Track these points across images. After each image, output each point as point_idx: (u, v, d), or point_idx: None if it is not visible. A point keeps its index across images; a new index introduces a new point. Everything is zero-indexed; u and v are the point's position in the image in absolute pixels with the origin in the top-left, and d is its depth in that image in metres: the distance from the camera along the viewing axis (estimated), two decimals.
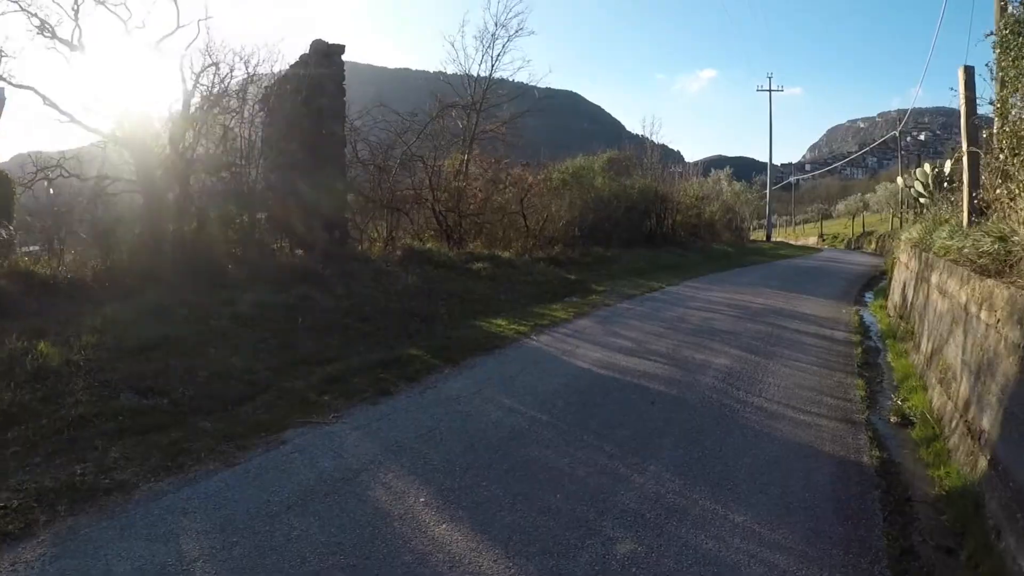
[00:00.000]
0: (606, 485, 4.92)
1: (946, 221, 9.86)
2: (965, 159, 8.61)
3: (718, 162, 62.79)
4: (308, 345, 8.86)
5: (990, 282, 5.34)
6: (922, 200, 15.64)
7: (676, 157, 43.63)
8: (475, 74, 22.50)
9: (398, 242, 16.38)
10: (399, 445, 5.70)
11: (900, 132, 49.78)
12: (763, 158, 59.76)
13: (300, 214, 14.06)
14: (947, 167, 14.71)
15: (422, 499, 4.66)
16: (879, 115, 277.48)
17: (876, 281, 20.36)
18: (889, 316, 12.46)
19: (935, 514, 4.70)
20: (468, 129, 21.11)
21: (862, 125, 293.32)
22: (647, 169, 31.99)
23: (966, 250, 7.04)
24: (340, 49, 15.12)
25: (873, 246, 42.36)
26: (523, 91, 24.21)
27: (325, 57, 14.81)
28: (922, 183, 15.45)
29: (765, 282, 18.71)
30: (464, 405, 6.87)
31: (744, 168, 76.35)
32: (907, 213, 33.64)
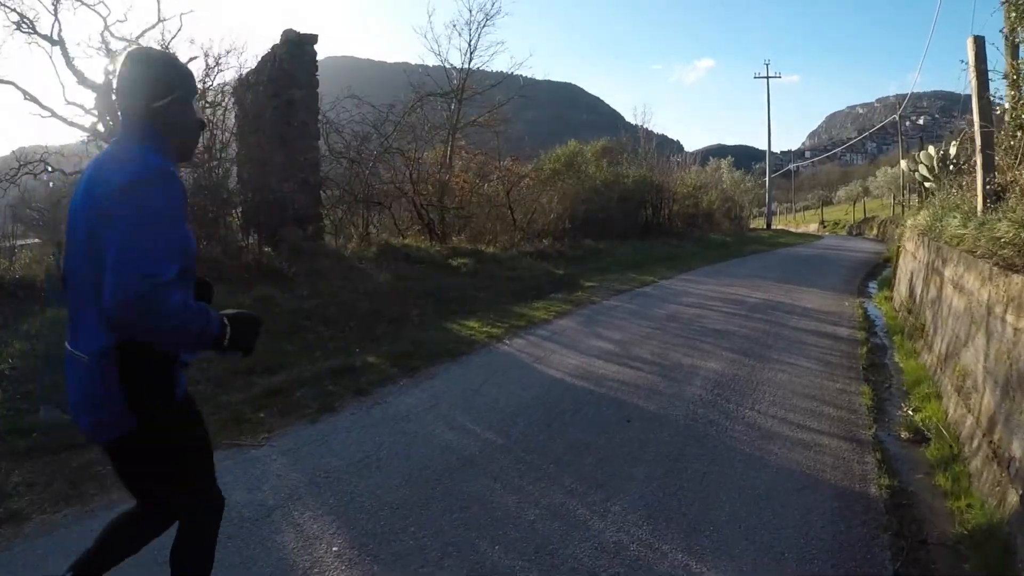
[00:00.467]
0: (557, 533, 4.02)
1: (957, 207, 8.96)
2: (977, 139, 7.74)
3: (718, 151, 62.17)
4: (258, 352, 7.92)
5: (1019, 279, 4.46)
6: (927, 184, 14.68)
7: (675, 147, 42.85)
8: (454, 63, 21.62)
9: (374, 238, 15.49)
10: (328, 475, 4.86)
11: (899, 117, 48.80)
12: (763, 146, 59.02)
13: (271, 209, 13.31)
14: (952, 149, 13.75)
15: (335, 548, 3.85)
16: (877, 100, 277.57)
17: (880, 269, 19.53)
18: (895, 309, 11.58)
19: (955, 560, 3.86)
20: (450, 120, 20.15)
21: (861, 111, 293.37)
22: (642, 158, 31.03)
23: (983, 239, 6.21)
24: (312, 39, 14.35)
25: (875, 231, 41.85)
26: (506, 79, 23.08)
27: (297, 47, 14.07)
28: (927, 166, 14.50)
29: (764, 273, 17.79)
30: (413, 424, 6.01)
31: (744, 156, 75.70)
32: (909, 198, 32.83)
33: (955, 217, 8.10)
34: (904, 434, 5.94)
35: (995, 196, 7.34)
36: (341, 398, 6.66)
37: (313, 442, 5.57)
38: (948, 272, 7.25)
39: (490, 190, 20.15)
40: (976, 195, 7.73)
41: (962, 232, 7.30)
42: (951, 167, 13.62)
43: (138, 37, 13.63)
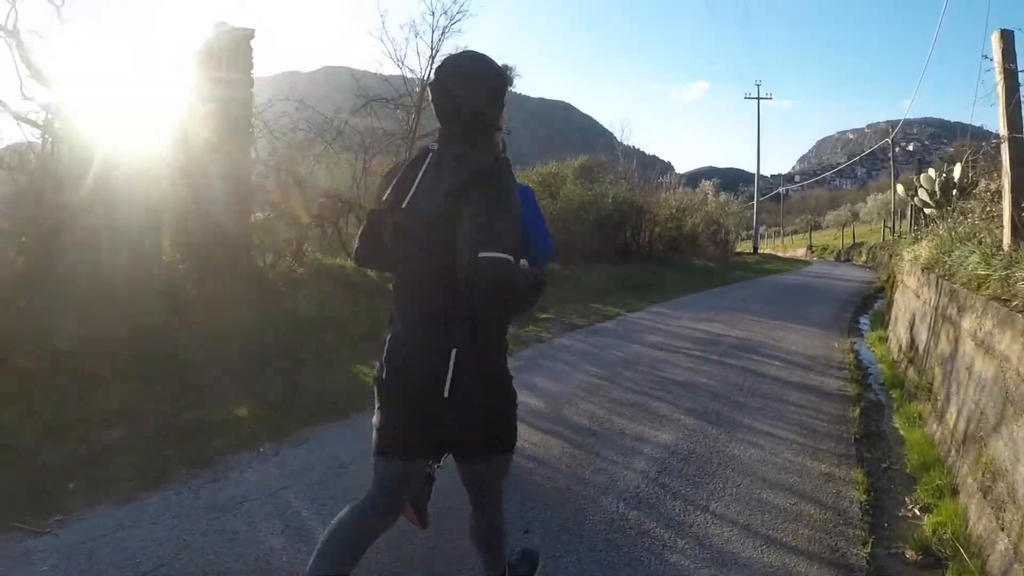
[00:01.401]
0: None
1: (972, 238, 7.26)
2: (1006, 154, 6.06)
3: (708, 173, 61.02)
4: (111, 396, 6.46)
5: None
6: (927, 211, 12.99)
7: (666, 167, 41.38)
8: (414, 68, 19.83)
9: (309, 257, 13.66)
10: None
11: (891, 141, 47.37)
12: (753, 169, 57.54)
13: (199, 222, 11.58)
14: (956, 171, 12.07)
15: None
16: (868, 126, 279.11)
17: (871, 301, 17.87)
18: (892, 354, 9.86)
19: None
20: (410, 130, 18.32)
21: (851, 136, 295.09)
22: (623, 176, 29.30)
23: (1021, 284, 4.51)
24: (248, 34, 12.59)
25: (864, 257, 40.72)
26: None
27: (231, 43, 12.29)
28: (927, 191, 12.80)
29: (745, 305, 16.02)
30: (239, 520, 4.35)
31: (734, 179, 74.59)
32: (901, 224, 31.30)
33: (971, 252, 6.41)
34: (910, 553, 4.27)
35: None
36: (173, 469, 5.12)
37: (107, 533, 4.07)
38: (967, 323, 5.54)
39: None
40: (1002, 225, 6.02)
41: (985, 273, 5.63)
42: (955, 192, 11.94)
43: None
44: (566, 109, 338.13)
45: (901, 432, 6.62)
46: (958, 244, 7.54)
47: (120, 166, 10.73)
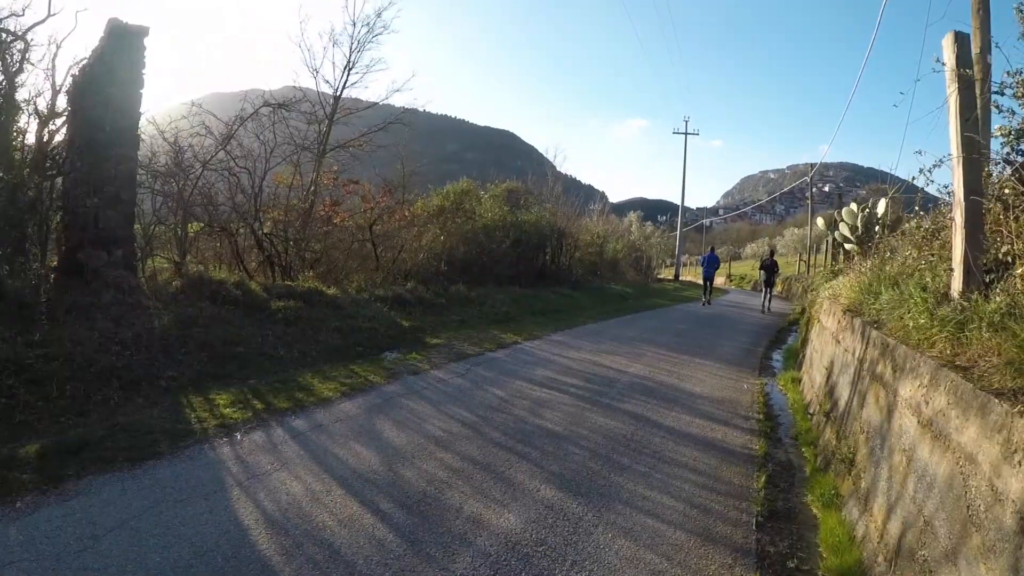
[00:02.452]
0: None
1: (905, 279, 5.78)
2: (958, 178, 4.55)
3: (639, 204, 60.52)
4: None
5: None
6: (847, 246, 11.65)
7: (600, 196, 40.28)
8: (329, 80, 18.08)
9: (188, 268, 11.75)
10: None
11: (810, 180, 47.02)
12: (679, 200, 56.98)
13: (75, 229, 9.82)
14: (881, 206, 10.74)
15: None
16: (788, 167, 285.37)
17: (785, 334, 16.47)
18: (805, 400, 8.41)
19: None
20: (320, 142, 16.46)
21: (772, 176, 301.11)
22: (546, 199, 27.77)
23: (1004, 347, 3.34)
24: (141, 32, 10.86)
25: (779, 288, 39.94)
26: (388, 113, 19.38)
27: (121, 39, 10.58)
28: (849, 225, 11.45)
29: (654, 336, 14.48)
30: None
31: (663, 210, 74.28)
32: (816, 258, 30.47)
33: (910, 298, 4.91)
34: None
35: (988, 268, 4.16)
36: None
37: None
38: (907, 391, 3.99)
39: (351, 222, 16.47)
40: (953, 266, 4.50)
41: (926, 325, 4.10)
42: (877, 228, 10.61)
43: (26, 31, 10.62)
44: (509, 137, 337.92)
45: (815, 512, 5.08)
46: (886, 285, 6.06)
47: None
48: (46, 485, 4.58)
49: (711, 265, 26.97)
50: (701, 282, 24.68)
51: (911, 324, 4.54)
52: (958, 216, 4.45)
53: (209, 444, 5.67)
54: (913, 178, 5.20)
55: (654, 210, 67.54)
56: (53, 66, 10.99)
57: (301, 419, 6.54)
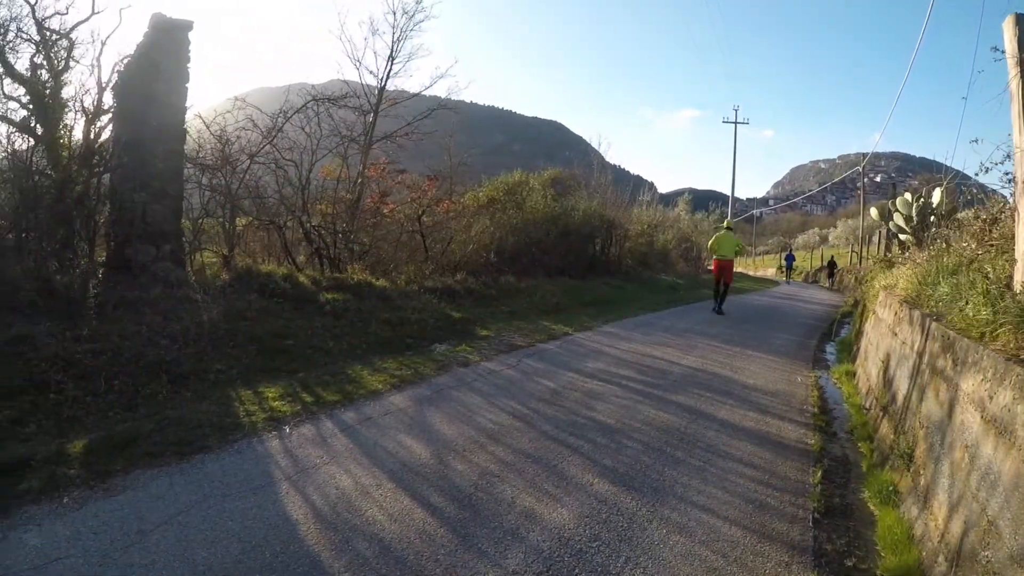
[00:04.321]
0: None
1: (964, 270, 5.61)
2: (1021, 168, 4.37)
3: (686, 193, 59.59)
4: None
5: None
6: (902, 237, 11.33)
7: (648, 186, 39.92)
8: (372, 70, 18.14)
9: (237, 262, 11.91)
10: None
11: (862, 170, 45.98)
12: (729, 191, 56.25)
13: (123, 224, 9.98)
14: (936, 196, 10.42)
15: None
16: (839, 157, 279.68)
17: (838, 327, 16.13)
18: (860, 395, 8.23)
19: None
20: (366, 134, 16.55)
21: (823, 166, 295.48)
22: (595, 190, 27.57)
23: None
24: (186, 25, 11.00)
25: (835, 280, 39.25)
26: (446, 104, 19.33)
27: (166, 34, 10.71)
28: (903, 215, 11.13)
29: (706, 327, 14.30)
30: None
31: (712, 200, 73.17)
32: (868, 250, 29.84)
33: (970, 290, 4.75)
34: None
35: None
36: None
37: None
38: (969, 385, 3.85)
39: (400, 213, 16.53)
40: (1016, 256, 4.34)
41: (989, 318, 3.96)
42: (933, 218, 10.30)
43: (71, 30, 10.87)
44: (558, 128, 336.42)
45: (872, 509, 4.96)
46: (945, 276, 5.88)
47: None
48: (93, 480, 4.61)
49: (791, 261, 46.25)
50: (753, 272, 24.73)
51: (972, 316, 4.40)
52: (1021, 205, 4.30)
53: (258, 438, 5.70)
54: (976, 173, 5.06)
55: (703, 200, 66.53)
56: (98, 63, 11.25)
57: (350, 412, 6.56)
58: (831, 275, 38.11)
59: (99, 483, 4.58)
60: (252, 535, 3.96)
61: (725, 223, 19.56)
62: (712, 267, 18.42)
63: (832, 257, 41.87)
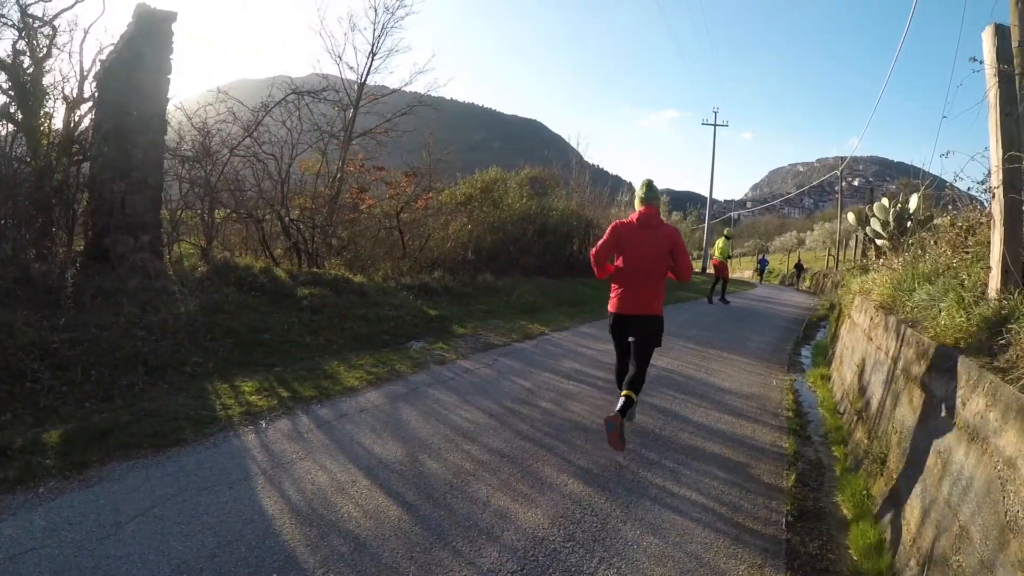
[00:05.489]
0: None
1: (940, 276, 5.69)
2: (998, 179, 4.44)
3: (666, 195, 59.83)
4: None
5: None
6: (879, 242, 11.45)
7: (627, 187, 40.06)
8: (352, 65, 18.02)
9: (215, 255, 11.82)
10: None
11: (840, 173, 46.42)
12: (707, 192, 56.57)
13: (101, 214, 9.96)
14: (913, 201, 10.55)
15: None
16: (817, 160, 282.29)
17: (813, 330, 16.27)
18: (835, 398, 8.30)
19: None
20: (346, 129, 16.44)
21: (801, 169, 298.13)
22: (574, 190, 27.59)
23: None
24: (170, 16, 10.91)
25: (808, 283, 39.57)
26: (426, 101, 19.20)
27: (149, 25, 10.62)
28: (880, 220, 11.25)
29: (682, 329, 14.32)
30: None
31: (690, 201, 73.63)
32: (845, 253, 30.17)
33: (945, 296, 4.81)
34: None
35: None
36: None
37: None
38: (942, 391, 3.90)
39: (378, 209, 16.47)
40: (991, 264, 4.40)
41: (962, 324, 4.02)
42: (909, 223, 10.43)
43: (54, 17, 10.92)
44: (537, 127, 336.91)
45: (845, 513, 5.01)
46: (921, 283, 5.95)
47: None
48: (69, 471, 4.59)
49: (764, 265, 48.52)
50: (729, 274, 24.59)
51: (947, 323, 4.45)
52: (997, 213, 4.36)
53: (234, 431, 5.68)
54: (956, 178, 5.12)
55: (681, 201, 67.15)
56: (80, 51, 11.14)
57: (326, 408, 6.54)
58: (798, 276, 44.03)
59: (75, 474, 4.57)
60: (228, 529, 3.94)
61: (725, 231, 22.91)
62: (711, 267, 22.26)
63: (799, 260, 47.03)
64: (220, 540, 3.80)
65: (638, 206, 6.13)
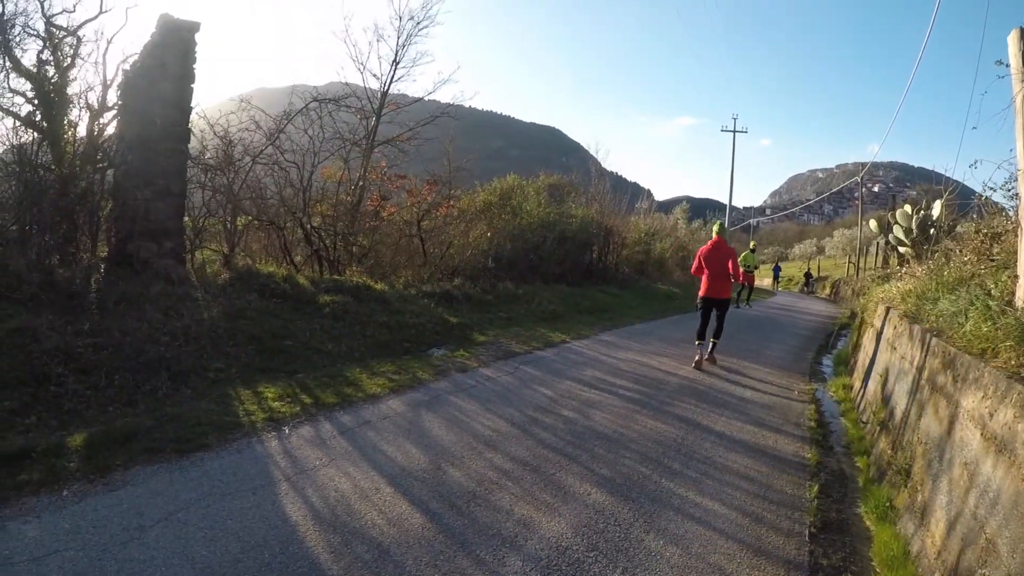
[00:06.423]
0: None
1: (965, 285, 5.64)
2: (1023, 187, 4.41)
3: (683, 201, 59.68)
4: None
5: None
6: (901, 249, 11.35)
7: (645, 194, 39.97)
8: (376, 74, 18.10)
9: (238, 262, 11.92)
10: None
11: (860, 179, 46.06)
12: (726, 200, 56.28)
13: (125, 220, 10.02)
14: (936, 208, 10.47)
15: None
16: (837, 167, 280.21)
17: (835, 339, 16.13)
18: (857, 409, 8.23)
19: None
20: (368, 137, 16.53)
21: (821, 175, 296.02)
22: (593, 197, 27.57)
23: None
24: (193, 27, 11.03)
25: (828, 291, 39.32)
26: (451, 107, 19.27)
27: (172, 33, 10.73)
28: (903, 227, 11.16)
29: None
30: None
31: (709, 208, 73.28)
32: (866, 261, 29.94)
33: (971, 306, 4.78)
34: None
35: None
36: None
37: None
38: (970, 402, 3.87)
39: (399, 217, 16.55)
40: (1018, 272, 4.37)
41: (989, 334, 3.99)
42: (932, 231, 10.34)
43: (78, 28, 10.91)
44: (555, 134, 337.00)
45: (868, 525, 4.97)
46: (946, 291, 5.91)
47: None
48: (93, 474, 4.61)
49: (777, 272, 46.54)
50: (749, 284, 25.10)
51: (973, 332, 4.42)
52: None
53: (257, 437, 5.71)
54: (986, 188, 5.07)
55: (701, 208, 66.84)
56: (104, 61, 11.24)
57: (349, 415, 6.56)
58: (807, 284, 46.56)
59: (99, 477, 4.59)
60: (251, 534, 3.96)
61: (752, 244, 27.22)
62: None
63: (808, 269, 49.32)
64: (244, 545, 3.82)
65: (713, 235, 11.06)
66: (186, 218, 11.30)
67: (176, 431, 5.57)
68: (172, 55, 10.39)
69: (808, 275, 47.57)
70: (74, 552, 3.61)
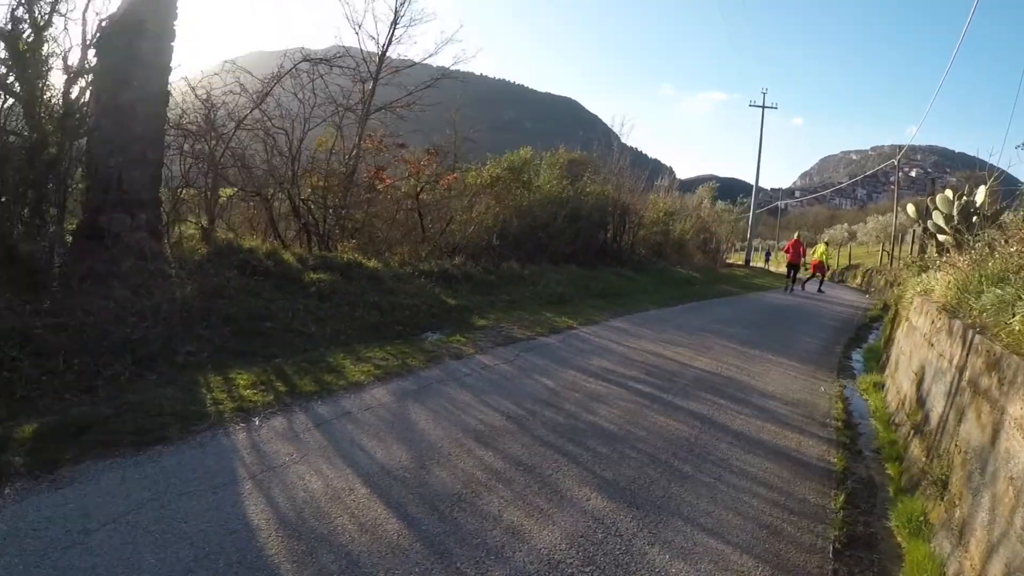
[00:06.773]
0: None
1: (1014, 276, 5.37)
2: None
3: (708, 180, 59.24)
4: None
5: None
6: (941, 237, 11.04)
7: (667, 172, 39.67)
8: (372, 35, 17.78)
9: (219, 236, 11.71)
10: None
11: (897, 163, 45.57)
12: (753, 180, 55.75)
13: (97, 190, 9.75)
14: (980, 194, 10.15)
15: None
16: (872, 149, 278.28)
17: (865, 332, 15.87)
18: (889, 410, 7.99)
19: None
20: (364, 103, 16.24)
21: (854, 157, 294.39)
22: (610, 174, 27.24)
23: None
24: None
25: (859, 281, 38.94)
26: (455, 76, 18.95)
27: None
28: (944, 214, 10.84)
29: (722, 327, 14.07)
30: None
31: (734, 188, 72.96)
32: (900, 249, 29.57)
33: (1019, 300, 4.51)
34: None
35: None
36: None
37: None
38: (1017, 410, 3.63)
39: (396, 189, 16.30)
40: None
41: None
42: (976, 218, 10.03)
43: None
44: (573, 106, 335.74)
45: (899, 541, 4.74)
46: (990, 284, 5.64)
47: None
48: (39, 470, 4.42)
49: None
50: (775, 269, 26.86)
51: (1021, 330, 4.17)
52: None
53: (223, 429, 5.52)
54: None
55: (726, 188, 66.43)
56: (84, 20, 10.94)
57: (327, 405, 6.37)
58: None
59: (45, 473, 4.40)
60: (207, 540, 3.76)
61: (826, 239, 34.97)
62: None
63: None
64: (197, 553, 3.62)
65: (793, 237, 27.44)
66: (163, 188, 11.07)
67: (135, 422, 5.37)
68: (152, 11, 10.10)
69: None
70: (8, 559, 3.41)
